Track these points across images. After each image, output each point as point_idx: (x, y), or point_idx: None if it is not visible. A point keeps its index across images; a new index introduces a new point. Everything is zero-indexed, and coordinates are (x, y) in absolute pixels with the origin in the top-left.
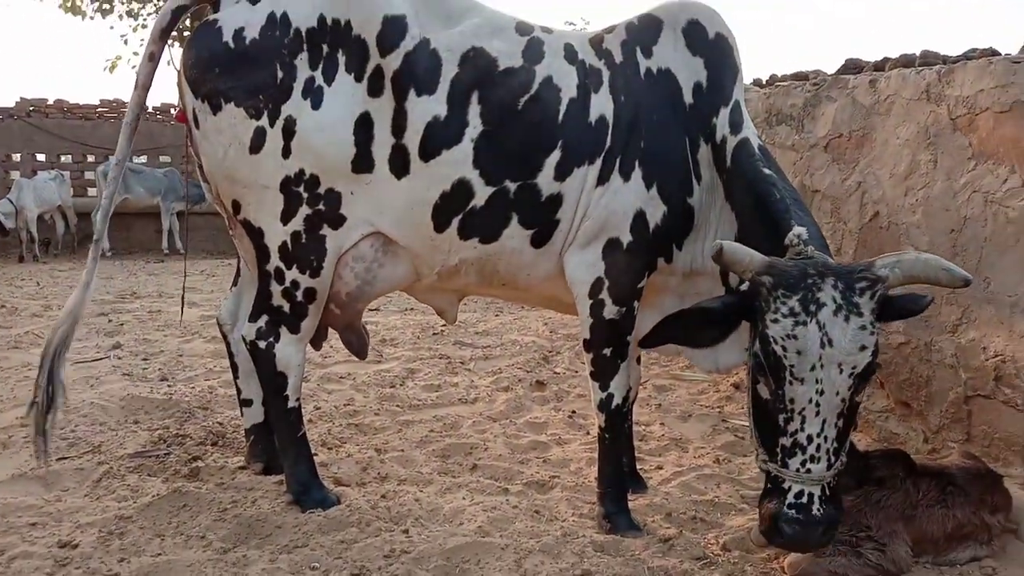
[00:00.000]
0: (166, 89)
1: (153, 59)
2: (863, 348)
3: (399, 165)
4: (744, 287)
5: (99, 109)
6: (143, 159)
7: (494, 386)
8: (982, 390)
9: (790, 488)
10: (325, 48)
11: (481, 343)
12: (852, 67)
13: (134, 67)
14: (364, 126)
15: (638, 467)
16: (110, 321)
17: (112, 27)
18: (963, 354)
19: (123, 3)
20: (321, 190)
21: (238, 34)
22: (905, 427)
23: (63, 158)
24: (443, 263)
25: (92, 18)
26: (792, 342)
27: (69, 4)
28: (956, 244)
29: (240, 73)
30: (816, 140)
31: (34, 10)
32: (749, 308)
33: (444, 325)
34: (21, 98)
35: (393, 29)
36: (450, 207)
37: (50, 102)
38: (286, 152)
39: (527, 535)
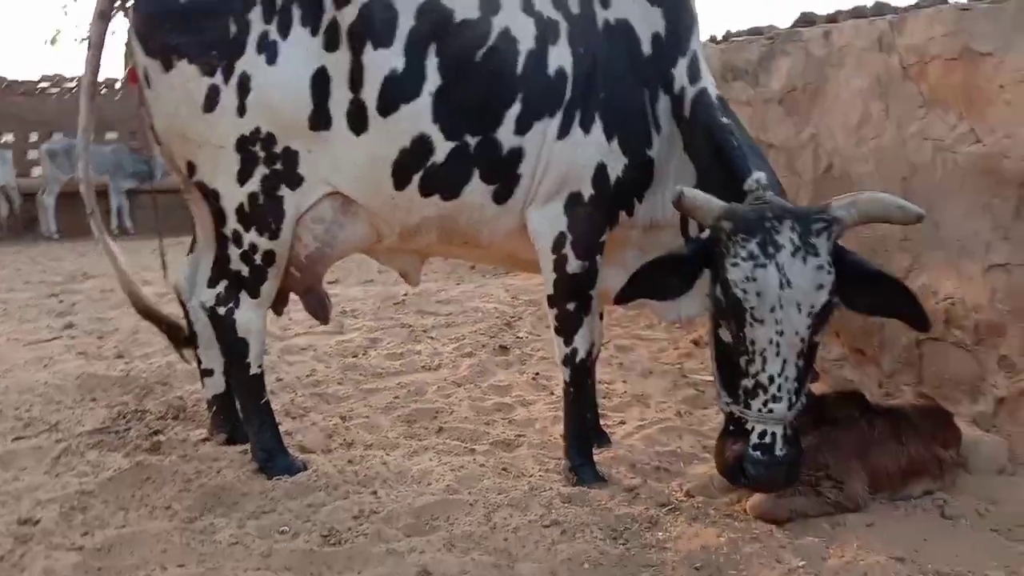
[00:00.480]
0: (110, 62)
1: (104, 17)
2: (820, 287)
3: (358, 121)
4: (705, 234)
5: (40, 84)
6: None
7: (457, 352)
8: (933, 333)
9: (753, 428)
10: (279, 1)
11: (443, 311)
12: (806, 21)
13: (77, 40)
14: (321, 81)
15: (602, 423)
16: (61, 302)
17: None
18: None
19: None
20: (278, 149)
21: None
22: (860, 373)
23: (4, 137)
24: (404, 221)
25: None
26: (752, 284)
27: None
28: (907, 191)
29: (192, 28)
30: (771, 94)
31: None
32: (712, 253)
33: (406, 295)
34: None
35: None
36: (410, 163)
37: None
38: (241, 110)
39: (495, 491)
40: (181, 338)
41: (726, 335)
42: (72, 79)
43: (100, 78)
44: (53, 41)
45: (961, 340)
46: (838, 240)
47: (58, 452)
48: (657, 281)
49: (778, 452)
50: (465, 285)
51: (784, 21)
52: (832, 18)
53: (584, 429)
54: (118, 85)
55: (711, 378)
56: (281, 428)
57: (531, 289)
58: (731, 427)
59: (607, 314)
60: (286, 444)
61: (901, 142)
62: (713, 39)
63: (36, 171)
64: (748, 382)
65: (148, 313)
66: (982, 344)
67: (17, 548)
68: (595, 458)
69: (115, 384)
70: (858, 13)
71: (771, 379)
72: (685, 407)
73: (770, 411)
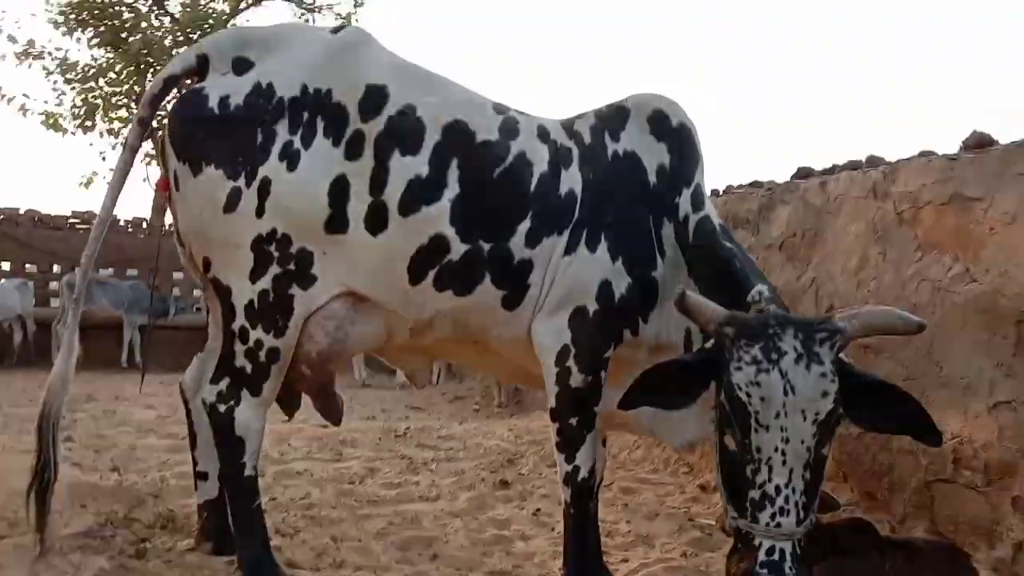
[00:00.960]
0: (138, 204)
1: (143, 124)
2: (825, 394)
3: (376, 221)
4: (709, 343)
5: (70, 220)
6: (110, 271)
7: (457, 485)
8: (942, 474)
9: (761, 544)
10: (305, 115)
11: (444, 446)
12: (803, 174)
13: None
14: (339, 188)
15: (605, 560)
16: (63, 418)
17: (92, 144)
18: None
19: (104, 121)
20: (293, 249)
21: (223, 100)
22: (871, 518)
23: (29, 267)
24: (417, 316)
25: (73, 134)
26: (756, 389)
27: (52, 121)
28: None
29: (222, 137)
30: (771, 241)
31: (13, 123)
32: (716, 361)
33: (407, 429)
34: None
35: (375, 96)
36: (426, 260)
37: (21, 212)
38: (260, 211)
39: None
40: (44, 479)
41: (731, 442)
42: None
43: (129, 216)
44: (87, 184)
45: (971, 481)
46: (841, 351)
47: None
48: (662, 388)
49: (787, 570)
50: (468, 424)
51: (782, 176)
52: (828, 171)
53: (586, 554)
54: (144, 224)
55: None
56: (271, 543)
57: (535, 429)
58: (739, 544)
59: (611, 456)
60: (274, 558)
61: (900, 284)
62: (715, 192)
63: (54, 302)
64: (755, 493)
65: (42, 427)
66: (993, 485)
67: None
68: None
69: (106, 494)
70: (853, 165)
71: (778, 490)
72: (691, 549)
73: (778, 525)
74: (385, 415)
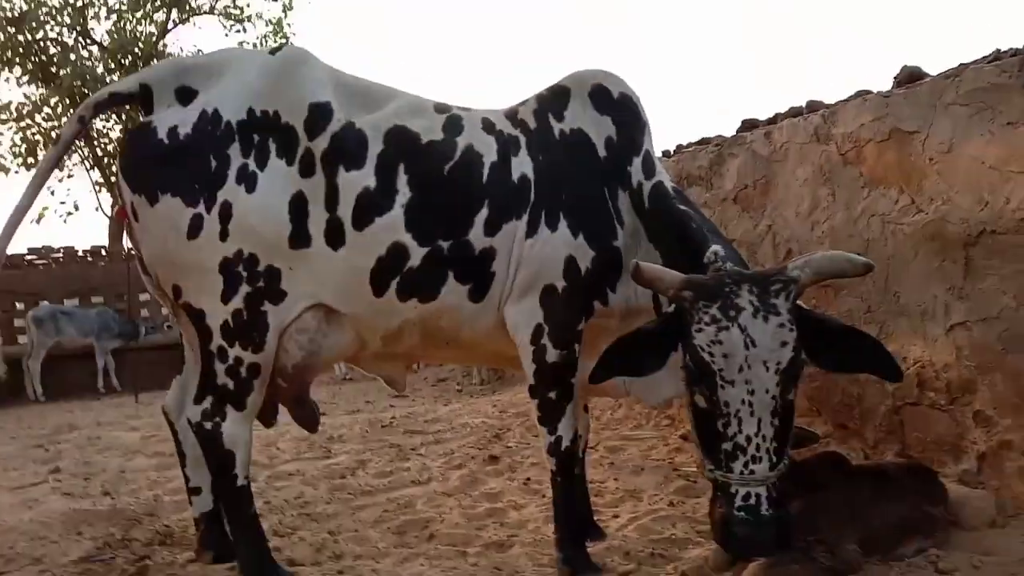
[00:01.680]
0: (96, 233)
1: (81, 121)
2: (784, 344)
3: (335, 236)
4: (670, 308)
5: (27, 257)
6: (75, 301)
7: (447, 465)
8: (909, 398)
9: (736, 491)
10: (256, 137)
11: (431, 429)
12: (748, 126)
13: (61, 216)
14: (298, 204)
15: (596, 518)
16: (47, 451)
17: None
18: None
19: None
20: (260, 267)
21: (172, 131)
22: (845, 448)
23: None
24: (386, 326)
25: (16, 172)
26: (718, 347)
27: None
28: None
29: (175, 166)
30: (725, 194)
31: None
32: (679, 325)
33: (393, 418)
34: None
35: (319, 114)
36: (387, 270)
37: None
38: (223, 235)
39: None
40: None
41: (701, 401)
42: (58, 250)
43: (87, 245)
44: (39, 219)
45: (936, 401)
46: (797, 299)
47: None
48: (629, 357)
49: (763, 512)
50: (452, 405)
51: (728, 130)
52: (772, 120)
53: (575, 520)
54: (103, 252)
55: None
56: (269, 545)
57: (518, 402)
58: (718, 493)
59: (595, 418)
60: (275, 559)
61: (851, 221)
62: (666, 153)
63: (22, 339)
64: (727, 445)
65: None
66: (956, 403)
67: None
68: (590, 550)
69: (101, 519)
70: (794, 112)
71: (748, 439)
72: (678, 497)
73: (751, 472)
74: (370, 407)
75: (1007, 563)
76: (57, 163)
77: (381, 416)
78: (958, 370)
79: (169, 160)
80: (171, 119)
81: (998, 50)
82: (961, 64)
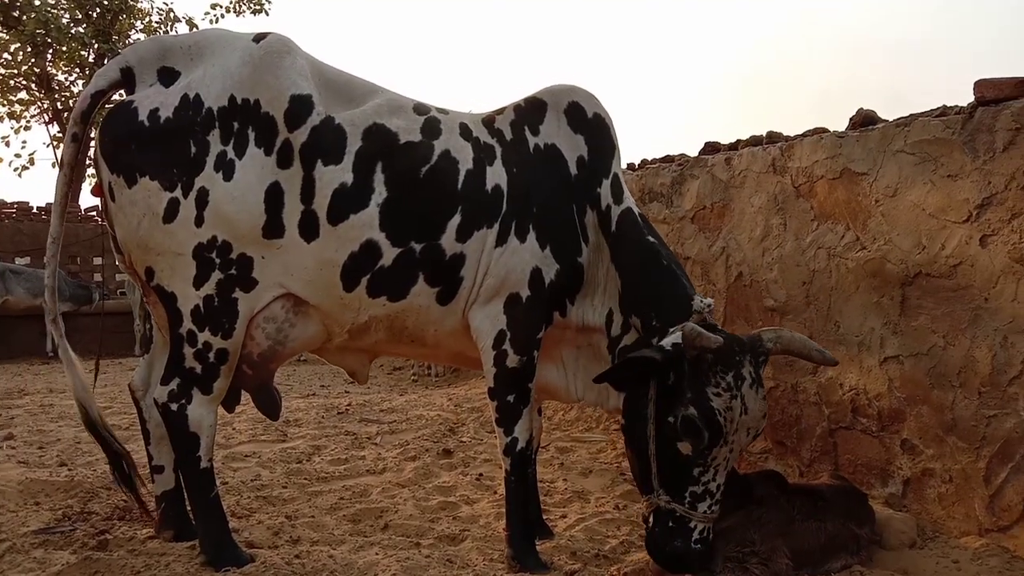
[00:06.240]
0: (50, 190)
1: (76, 140)
2: (764, 415)
3: (309, 229)
4: (668, 342)
5: None
6: (27, 260)
7: (401, 456)
8: (843, 422)
9: (695, 526)
10: (236, 125)
11: (387, 419)
12: (711, 149)
13: (15, 168)
14: (274, 195)
15: (544, 518)
16: None
17: None
18: (824, 391)
19: (3, 105)
20: (233, 255)
21: (153, 113)
22: (782, 464)
23: None
24: (353, 321)
25: None
26: (730, 413)
27: None
28: (808, 295)
29: (154, 149)
30: (684, 213)
31: None
32: (675, 368)
33: (349, 405)
34: None
35: (300, 106)
36: (359, 267)
37: None
38: (199, 221)
39: None
40: (122, 467)
41: (686, 448)
42: (11, 205)
43: (42, 203)
44: None
45: (868, 427)
46: None
47: (2, 551)
48: (624, 374)
49: (710, 542)
50: (408, 395)
51: (692, 149)
52: (733, 145)
53: (526, 519)
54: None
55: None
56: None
57: (474, 398)
58: (670, 523)
59: (547, 419)
60: (234, 541)
61: (800, 251)
62: (632, 166)
63: None
64: (698, 488)
65: (95, 430)
66: (886, 430)
67: None
68: (538, 548)
69: (59, 489)
70: (755, 141)
71: (718, 487)
72: (623, 501)
73: (713, 511)
74: (325, 391)
75: None
76: (68, 189)
77: (337, 402)
78: (889, 400)
79: (149, 143)
80: (153, 100)
81: (945, 106)
82: (911, 115)
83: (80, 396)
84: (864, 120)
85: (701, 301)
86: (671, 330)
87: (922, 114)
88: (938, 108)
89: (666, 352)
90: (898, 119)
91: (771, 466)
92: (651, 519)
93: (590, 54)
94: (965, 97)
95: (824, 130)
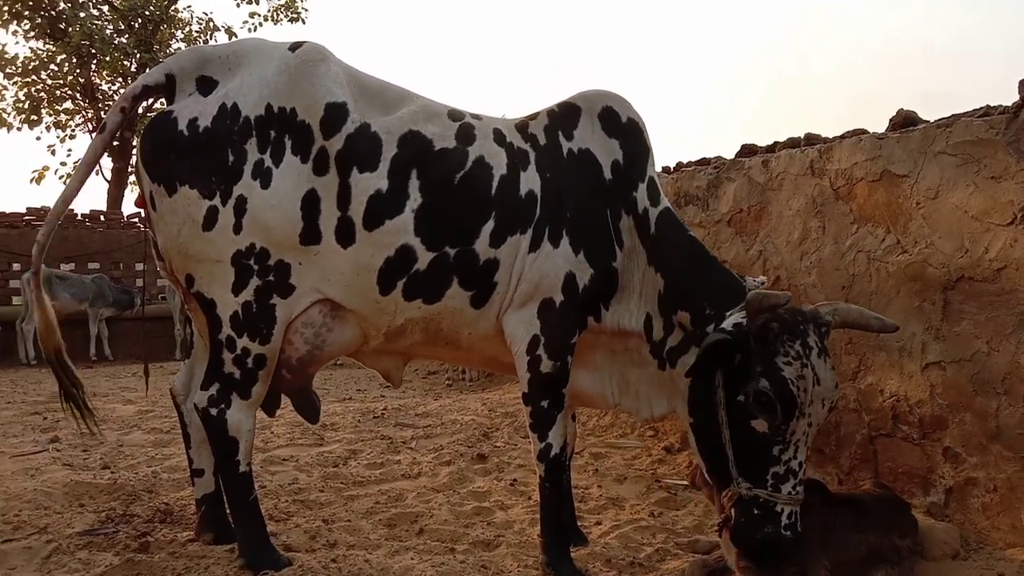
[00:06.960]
0: (95, 197)
1: (124, 112)
2: (836, 385)
3: (345, 235)
4: (729, 323)
5: (26, 217)
6: (71, 266)
7: (436, 461)
8: (883, 429)
9: (783, 510)
10: (273, 133)
11: (422, 424)
12: (747, 151)
13: (61, 177)
14: (311, 202)
15: (579, 524)
16: (45, 419)
17: (39, 138)
18: (864, 398)
19: (50, 115)
20: (271, 262)
21: (192, 123)
22: (821, 472)
23: None
24: (389, 324)
25: (19, 129)
26: (802, 382)
27: None
28: (848, 299)
29: (194, 158)
30: (720, 216)
31: None
32: (740, 348)
33: (384, 409)
34: None
35: (335, 114)
36: (394, 271)
37: None
38: (237, 228)
39: None
40: (75, 396)
41: (761, 426)
42: None
43: (86, 209)
44: (39, 179)
45: (909, 435)
46: None
47: (48, 552)
48: (706, 365)
49: (799, 527)
50: (443, 400)
51: (728, 152)
52: (770, 148)
53: (561, 525)
54: (103, 217)
55: (683, 482)
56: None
57: (508, 402)
58: (755, 511)
59: (581, 424)
60: (272, 544)
61: (839, 255)
62: (667, 169)
63: (16, 300)
64: (779, 468)
65: (57, 358)
66: (928, 437)
67: None
68: (572, 555)
69: (102, 491)
70: (792, 143)
71: (800, 465)
72: (658, 508)
73: (798, 492)
74: (361, 395)
75: None
76: (103, 151)
77: (372, 406)
78: (931, 407)
79: (188, 152)
80: (192, 110)
81: (988, 105)
82: (953, 115)
83: (43, 335)
84: (904, 121)
85: (754, 280)
86: (727, 314)
87: (964, 114)
88: (981, 108)
89: (730, 332)
90: (939, 120)
91: (809, 474)
92: (732, 512)
93: (622, 57)
94: (1009, 97)
95: (864, 131)
